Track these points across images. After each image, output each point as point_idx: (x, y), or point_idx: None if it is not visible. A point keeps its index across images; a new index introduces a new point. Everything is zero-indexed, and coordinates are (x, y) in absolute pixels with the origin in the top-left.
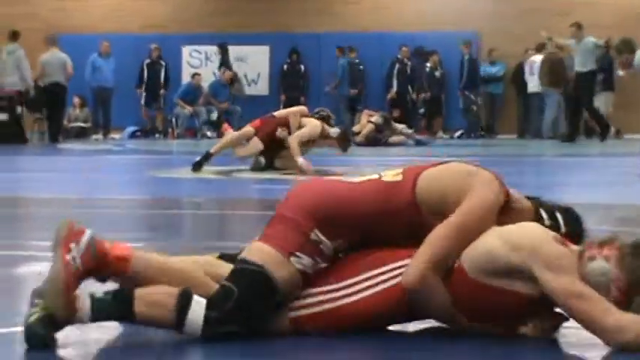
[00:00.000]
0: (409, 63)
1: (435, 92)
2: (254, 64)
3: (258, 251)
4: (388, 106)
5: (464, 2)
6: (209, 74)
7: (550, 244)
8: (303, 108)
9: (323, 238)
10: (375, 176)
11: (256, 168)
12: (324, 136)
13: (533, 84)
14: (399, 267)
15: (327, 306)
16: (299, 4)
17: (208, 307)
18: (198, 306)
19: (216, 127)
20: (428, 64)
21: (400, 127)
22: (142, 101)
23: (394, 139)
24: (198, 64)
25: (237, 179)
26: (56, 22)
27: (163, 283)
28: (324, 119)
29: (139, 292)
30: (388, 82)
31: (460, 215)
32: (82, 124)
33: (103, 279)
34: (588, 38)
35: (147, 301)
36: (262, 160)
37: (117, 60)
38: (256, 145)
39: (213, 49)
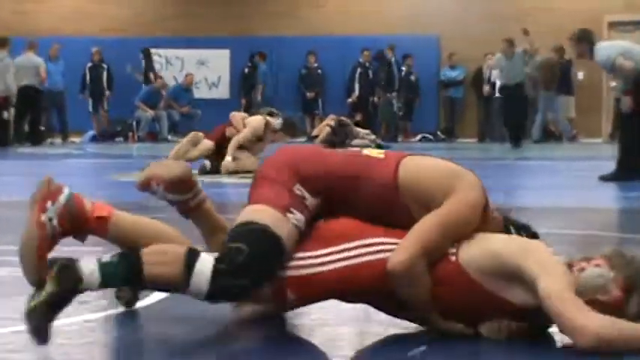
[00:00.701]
0: (370, 67)
1: (410, 95)
2: (214, 68)
3: (257, 212)
4: (349, 110)
5: (426, 7)
6: (170, 78)
7: (551, 256)
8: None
9: (305, 193)
10: (356, 149)
11: (202, 172)
12: (270, 130)
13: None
14: (377, 243)
15: (303, 271)
16: (259, 7)
17: (217, 260)
18: (206, 259)
19: (177, 130)
20: (403, 68)
21: (363, 131)
22: (90, 107)
23: (357, 142)
24: (158, 67)
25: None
26: (16, 24)
27: (144, 243)
28: (269, 114)
29: (146, 252)
30: (350, 86)
31: (448, 210)
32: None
33: (81, 238)
34: (517, 51)
35: (154, 261)
36: (207, 163)
37: (77, 63)
38: (206, 145)
39: (174, 53)
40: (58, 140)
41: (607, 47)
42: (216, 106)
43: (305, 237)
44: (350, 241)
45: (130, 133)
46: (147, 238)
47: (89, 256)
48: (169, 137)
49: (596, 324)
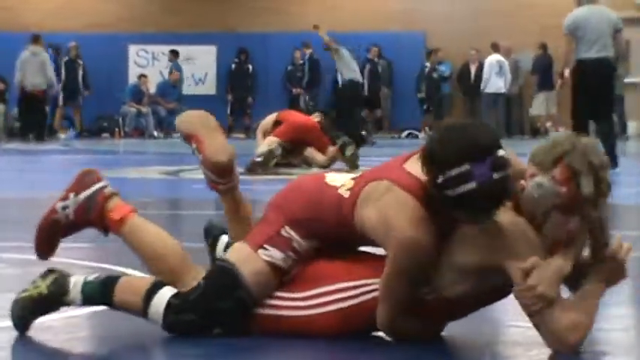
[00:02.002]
0: (379, 63)
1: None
2: (201, 64)
3: (232, 249)
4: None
5: (412, 3)
6: (156, 74)
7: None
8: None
9: (294, 235)
10: (339, 183)
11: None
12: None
13: (498, 85)
14: (362, 285)
15: (284, 312)
16: (246, 3)
17: (174, 295)
18: (165, 293)
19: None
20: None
21: None
22: (60, 101)
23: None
24: (145, 63)
25: (183, 179)
26: (1, 20)
27: (146, 259)
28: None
29: (122, 279)
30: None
31: (391, 263)
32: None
33: (103, 232)
34: (343, 50)
35: (125, 287)
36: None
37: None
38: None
39: (160, 49)
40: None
41: None
42: (202, 103)
43: (293, 277)
44: (333, 284)
45: (117, 130)
46: (149, 256)
47: (83, 272)
48: (155, 134)
49: (573, 338)
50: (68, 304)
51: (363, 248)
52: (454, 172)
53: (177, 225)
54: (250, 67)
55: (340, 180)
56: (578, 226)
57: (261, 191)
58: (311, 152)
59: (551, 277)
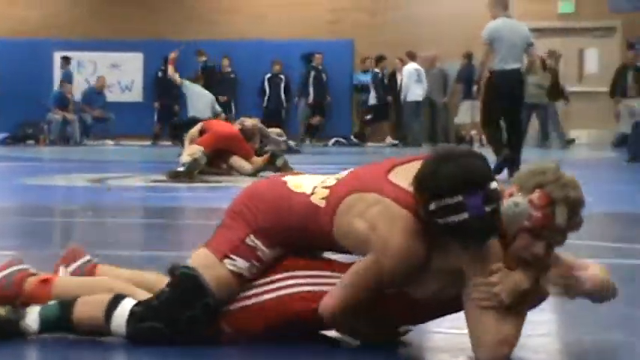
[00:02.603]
0: (324, 71)
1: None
2: (127, 71)
3: (195, 256)
4: (264, 115)
5: (339, 12)
6: (81, 81)
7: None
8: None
9: (259, 244)
10: (308, 190)
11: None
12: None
13: (418, 93)
14: (321, 276)
15: (253, 300)
16: (173, 11)
17: (137, 304)
18: (128, 303)
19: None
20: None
21: (276, 130)
22: None
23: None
24: (70, 70)
25: (109, 187)
26: None
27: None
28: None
29: (80, 298)
30: (304, 90)
31: (366, 266)
32: None
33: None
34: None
35: (84, 302)
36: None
37: None
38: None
39: (85, 56)
40: None
41: None
42: (129, 110)
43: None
44: (291, 272)
45: (42, 137)
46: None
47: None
48: (81, 140)
49: (502, 352)
50: (23, 330)
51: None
52: (447, 201)
53: (103, 233)
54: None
55: (307, 186)
56: (542, 251)
57: (186, 198)
58: (236, 160)
59: (510, 285)
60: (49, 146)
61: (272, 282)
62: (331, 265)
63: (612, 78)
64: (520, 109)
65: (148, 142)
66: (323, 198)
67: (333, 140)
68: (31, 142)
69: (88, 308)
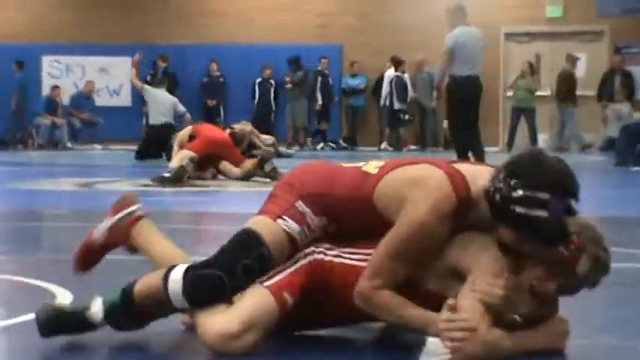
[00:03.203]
0: (330, 74)
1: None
2: (116, 75)
3: (250, 221)
4: (253, 119)
5: (328, 16)
6: (70, 85)
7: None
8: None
9: (307, 210)
10: (361, 164)
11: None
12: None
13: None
14: (361, 253)
15: (302, 262)
16: (161, 15)
17: (187, 269)
18: (184, 265)
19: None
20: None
21: (266, 137)
22: None
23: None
24: (58, 74)
25: (97, 191)
26: None
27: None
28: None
29: (138, 279)
30: (312, 96)
31: (395, 234)
32: None
33: (130, 252)
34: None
35: (142, 281)
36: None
37: None
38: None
39: (73, 60)
40: None
41: None
42: (117, 114)
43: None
44: (335, 244)
45: (30, 141)
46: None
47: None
48: (70, 145)
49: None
50: (90, 321)
51: None
52: (537, 194)
53: None
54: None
55: (360, 164)
56: (551, 289)
57: (174, 202)
58: (225, 165)
59: (514, 298)
60: (37, 150)
61: (312, 250)
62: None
63: (599, 82)
64: (477, 113)
65: (137, 147)
66: (376, 167)
67: (321, 145)
68: (19, 146)
69: (147, 284)
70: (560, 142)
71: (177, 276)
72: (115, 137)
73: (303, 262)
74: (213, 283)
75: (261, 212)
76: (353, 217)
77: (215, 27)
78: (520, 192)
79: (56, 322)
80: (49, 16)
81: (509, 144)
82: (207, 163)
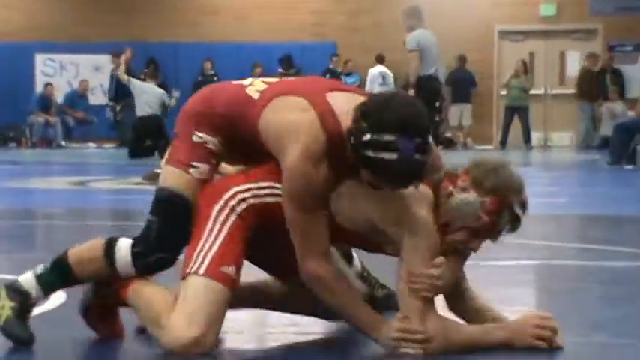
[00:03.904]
0: (342, 73)
1: None
2: (110, 74)
3: (163, 176)
4: None
5: (321, 15)
6: (63, 83)
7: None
8: None
9: (204, 135)
10: (246, 82)
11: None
12: None
13: None
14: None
15: (224, 233)
16: (155, 14)
17: (133, 244)
18: (124, 245)
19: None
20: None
21: None
22: None
23: None
24: (52, 72)
25: (90, 189)
26: None
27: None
28: None
29: (69, 253)
30: None
31: (283, 200)
32: None
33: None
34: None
35: (77, 256)
36: None
37: None
38: None
39: (68, 58)
40: None
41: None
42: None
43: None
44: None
45: (24, 139)
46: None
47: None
48: (64, 143)
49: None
50: (35, 303)
51: None
52: (383, 137)
53: (85, 236)
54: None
55: (247, 82)
56: (478, 248)
57: None
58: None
59: (449, 276)
60: (30, 149)
61: (227, 211)
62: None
63: (579, 80)
64: (434, 111)
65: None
66: (259, 91)
67: None
68: (12, 144)
69: (85, 261)
70: (586, 139)
71: (126, 260)
72: (108, 136)
73: (224, 232)
74: (164, 265)
75: (170, 160)
76: (242, 137)
77: (209, 25)
78: (368, 135)
79: (30, 337)
80: (43, 14)
81: (503, 142)
82: None
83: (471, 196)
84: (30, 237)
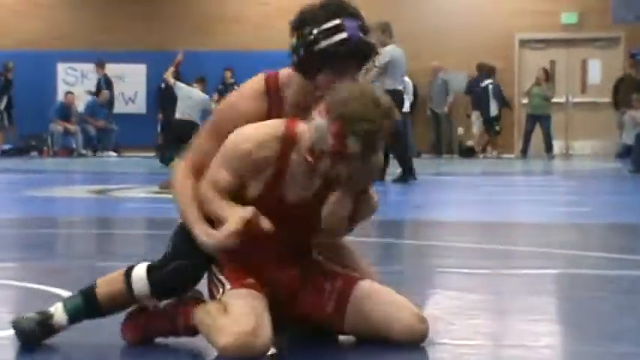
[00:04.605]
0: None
1: None
2: (131, 83)
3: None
4: None
5: None
6: (84, 92)
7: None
8: None
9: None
10: None
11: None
12: None
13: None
14: None
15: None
16: (176, 23)
17: (149, 270)
18: (141, 265)
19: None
20: None
21: None
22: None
23: None
24: (73, 81)
25: (112, 198)
26: None
27: None
28: None
29: (97, 282)
30: None
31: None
32: None
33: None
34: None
35: (102, 283)
36: None
37: None
38: None
39: (89, 67)
40: None
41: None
42: (133, 122)
43: None
44: None
45: (45, 148)
46: None
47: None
48: (84, 152)
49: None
50: (55, 327)
51: None
52: (327, 25)
53: (106, 244)
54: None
55: None
56: (344, 174)
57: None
58: None
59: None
60: (51, 158)
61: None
62: None
63: (613, 89)
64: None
65: (151, 154)
66: None
67: None
68: (34, 153)
69: (108, 286)
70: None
71: (140, 276)
72: (129, 144)
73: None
74: (182, 273)
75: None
76: None
77: (229, 34)
78: (315, 31)
79: (32, 334)
80: (65, 22)
81: (524, 151)
82: None
83: (321, 120)
84: (51, 246)
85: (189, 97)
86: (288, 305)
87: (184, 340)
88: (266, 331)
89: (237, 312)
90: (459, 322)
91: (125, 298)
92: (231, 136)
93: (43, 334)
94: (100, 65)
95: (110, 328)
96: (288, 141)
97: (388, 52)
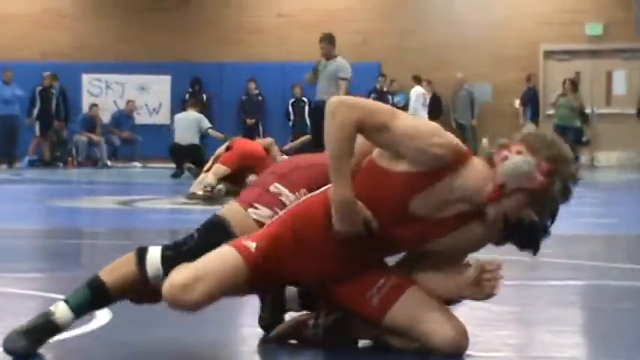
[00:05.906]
0: (389, 92)
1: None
2: (155, 94)
3: (226, 207)
4: (292, 136)
5: (367, 34)
6: (109, 103)
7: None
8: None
9: (283, 189)
10: None
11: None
12: None
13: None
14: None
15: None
16: (200, 34)
17: (166, 247)
18: (154, 250)
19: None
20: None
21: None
22: (37, 131)
23: None
24: (98, 92)
25: (137, 209)
26: None
27: None
28: None
29: (100, 272)
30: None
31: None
32: None
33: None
34: None
35: (108, 271)
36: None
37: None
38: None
39: (113, 78)
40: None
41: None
42: (156, 132)
43: None
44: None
45: (70, 159)
46: None
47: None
48: (109, 163)
49: None
50: (59, 325)
51: None
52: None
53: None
54: (204, 96)
55: None
56: (529, 218)
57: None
58: (253, 179)
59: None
60: (76, 168)
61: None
62: None
63: (639, 99)
64: None
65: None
66: None
67: None
68: (59, 164)
69: (117, 272)
70: None
71: (155, 264)
72: (153, 155)
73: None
74: (195, 258)
75: (239, 198)
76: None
77: (253, 45)
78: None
79: (30, 342)
80: (89, 34)
81: None
82: (242, 177)
83: (527, 156)
84: (77, 256)
85: (179, 122)
86: (330, 288)
87: (184, 340)
88: (200, 289)
89: (192, 266)
90: (485, 334)
91: (136, 281)
92: (432, 124)
93: (43, 334)
94: (53, 78)
95: (111, 330)
96: (462, 161)
97: (346, 64)
